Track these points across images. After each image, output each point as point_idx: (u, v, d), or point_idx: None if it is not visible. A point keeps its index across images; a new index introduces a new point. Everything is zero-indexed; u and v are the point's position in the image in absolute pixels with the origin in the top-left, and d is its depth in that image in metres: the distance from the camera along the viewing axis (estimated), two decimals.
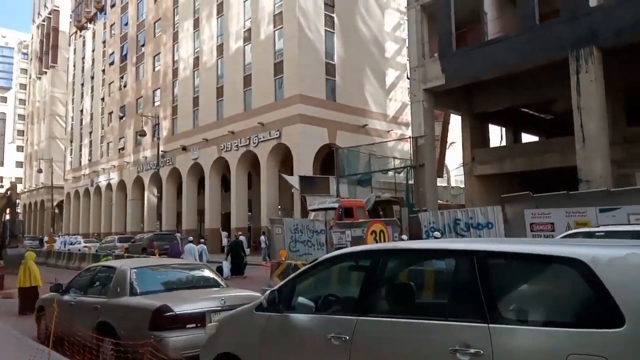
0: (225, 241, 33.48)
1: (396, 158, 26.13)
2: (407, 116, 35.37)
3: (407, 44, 35.32)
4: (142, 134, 36.25)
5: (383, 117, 34.41)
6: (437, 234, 12.74)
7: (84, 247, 36.41)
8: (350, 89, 32.02)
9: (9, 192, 26.22)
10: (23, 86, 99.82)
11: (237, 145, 32.68)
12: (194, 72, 38.38)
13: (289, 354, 3.37)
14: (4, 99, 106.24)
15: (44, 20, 75.50)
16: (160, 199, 39.41)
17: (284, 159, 30.85)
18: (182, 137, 38.34)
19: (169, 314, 5.30)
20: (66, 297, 7.22)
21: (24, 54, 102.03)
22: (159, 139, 36.31)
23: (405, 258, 3.25)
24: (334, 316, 3.24)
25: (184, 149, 37.63)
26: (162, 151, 37.89)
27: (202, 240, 22.49)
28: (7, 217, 27.06)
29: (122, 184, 47.55)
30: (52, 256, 29.96)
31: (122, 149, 48.07)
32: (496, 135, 28.88)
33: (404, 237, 13.09)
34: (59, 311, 7.45)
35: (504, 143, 27.84)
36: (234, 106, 33.59)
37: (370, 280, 3.12)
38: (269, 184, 30.48)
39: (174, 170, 39.48)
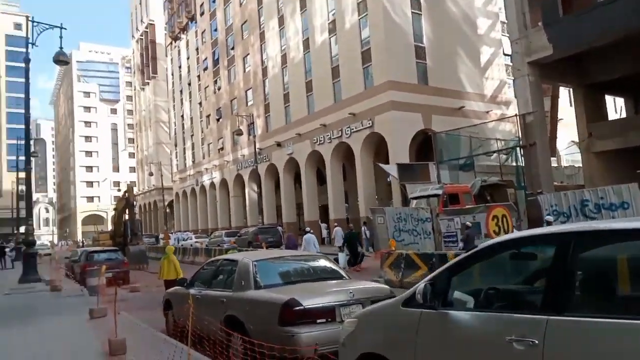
0: (324, 233, 33.88)
1: (499, 139, 24.56)
2: (506, 95, 33.28)
3: (501, 18, 33.21)
4: (239, 133, 37.65)
5: (480, 97, 32.62)
6: (549, 217, 11.58)
7: (195, 242, 38.78)
8: (443, 71, 30.68)
9: (126, 194, 28.61)
10: (129, 97, 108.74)
11: (329, 138, 32.75)
12: (282, 69, 39.08)
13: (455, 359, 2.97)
14: (114, 111, 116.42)
15: (142, 35, 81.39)
16: (260, 194, 40.79)
17: (378, 147, 30.38)
18: (276, 133, 39.27)
19: (298, 308, 5.17)
20: (192, 291, 7.43)
21: (127, 68, 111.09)
22: (254, 137, 37.48)
23: (613, 241, 2.62)
24: (513, 315, 2.74)
25: (279, 145, 38.51)
26: (258, 148, 39.07)
27: (310, 231, 22.72)
28: (127, 217, 29.56)
29: (224, 182, 49.96)
30: None
31: (222, 149, 50.44)
32: (610, 108, 26.08)
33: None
34: (186, 305, 7.69)
35: (623, 115, 25.03)
36: (324, 99, 33.68)
37: (564, 270, 2.58)
38: (364, 174, 30.20)
39: (270, 166, 40.60)
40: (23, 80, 18.74)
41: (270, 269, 6.31)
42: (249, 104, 44.37)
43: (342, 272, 6.64)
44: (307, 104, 35.66)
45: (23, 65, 18.49)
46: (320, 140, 33.59)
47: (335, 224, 29.27)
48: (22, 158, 20.70)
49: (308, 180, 35.77)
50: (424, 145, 27.91)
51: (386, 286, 6.77)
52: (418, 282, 3.46)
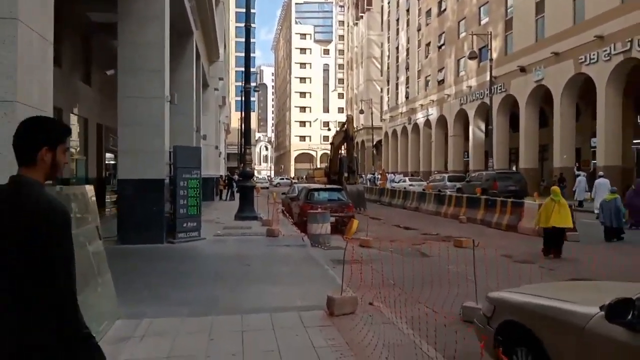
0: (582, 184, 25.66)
1: None
2: None
3: None
4: (473, 55, 30.71)
5: None
6: None
7: (410, 185, 34.47)
8: None
9: (345, 126, 25.05)
10: (341, 37, 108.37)
11: (607, 54, 23.70)
12: None
13: None
14: (327, 52, 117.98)
15: None
16: (488, 133, 33.91)
17: None
18: (519, 55, 31.21)
19: None
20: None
21: (341, 6, 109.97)
22: (491, 60, 30.19)
23: None
24: None
25: (522, 70, 30.54)
26: (493, 76, 31.81)
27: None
28: (343, 152, 26.23)
29: (441, 120, 44.02)
30: (385, 195, 28.42)
31: (442, 81, 44.18)
32: None
33: None
34: None
35: None
36: (601, 1, 24.39)
37: None
38: None
39: (507, 98, 33.04)
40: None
41: None
42: (483, 22, 36.63)
43: None
44: (573, 10, 26.65)
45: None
46: (591, 59, 24.73)
47: (601, 172, 21.11)
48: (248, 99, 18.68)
49: (564, 114, 27.37)
50: None
51: None
52: None
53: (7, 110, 3.82)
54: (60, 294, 1.58)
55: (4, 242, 1.59)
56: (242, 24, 18.07)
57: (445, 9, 43.86)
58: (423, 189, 29.50)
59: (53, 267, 1.57)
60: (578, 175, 23.06)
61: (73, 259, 1.65)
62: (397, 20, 57.62)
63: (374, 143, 67.22)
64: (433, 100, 45.69)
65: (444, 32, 43.87)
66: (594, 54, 24.54)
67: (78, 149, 17.76)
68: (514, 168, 33.12)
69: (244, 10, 17.59)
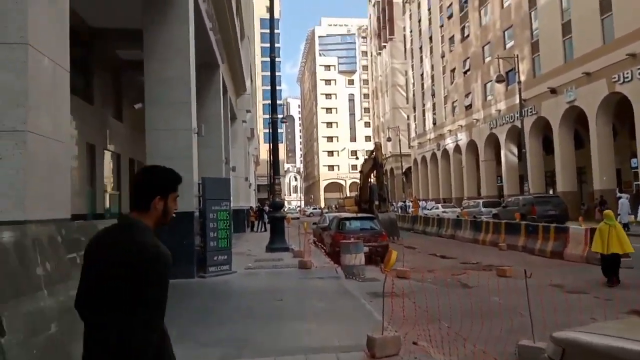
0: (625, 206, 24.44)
1: None
2: None
3: None
4: (500, 79, 30.27)
5: None
6: None
7: (443, 212, 33.63)
8: None
9: (374, 154, 24.76)
10: (365, 67, 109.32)
11: None
12: None
13: None
14: (351, 82, 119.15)
15: None
16: (521, 156, 33.01)
17: None
18: (548, 77, 30.58)
19: None
20: None
21: (363, 37, 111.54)
22: (519, 83, 29.61)
23: None
24: None
25: (553, 91, 29.86)
26: (522, 99, 31.19)
27: None
28: (372, 180, 25.86)
29: (471, 145, 43.28)
30: (418, 222, 27.72)
31: (469, 106, 43.65)
32: None
33: None
34: None
35: None
36: (632, 18, 23.74)
37: None
38: None
39: (538, 121, 32.25)
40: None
41: None
42: (508, 46, 36.24)
43: None
44: (602, 29, 26.04)
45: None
46: (625, 77, 23.95)
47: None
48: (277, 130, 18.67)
49: (601, 134, 26.43)
50: None
51: None
52: None
53: (17, 140, 3.62)
54: (149, 331, 1.69)
55: (104, 274, 1.72)
56: (268, 58, 18.20)
57: (468, 35, 43.74)
58: (458, 216, 28.70)
59: (147, 307, 1.68)
60: (620, 198, 22.01)
61: (165, 302, 1.75)
62: (420, 48, 57.81)
63: (403, 170, 66.62)
64: (461, 126, 45.09)
65: (468, 58, 43.62)
66: (627, 73, 23.77)
67: (112, 184, 18.00)
68: (550, 192, 32.08)
69: (268, 45, 17.73)
